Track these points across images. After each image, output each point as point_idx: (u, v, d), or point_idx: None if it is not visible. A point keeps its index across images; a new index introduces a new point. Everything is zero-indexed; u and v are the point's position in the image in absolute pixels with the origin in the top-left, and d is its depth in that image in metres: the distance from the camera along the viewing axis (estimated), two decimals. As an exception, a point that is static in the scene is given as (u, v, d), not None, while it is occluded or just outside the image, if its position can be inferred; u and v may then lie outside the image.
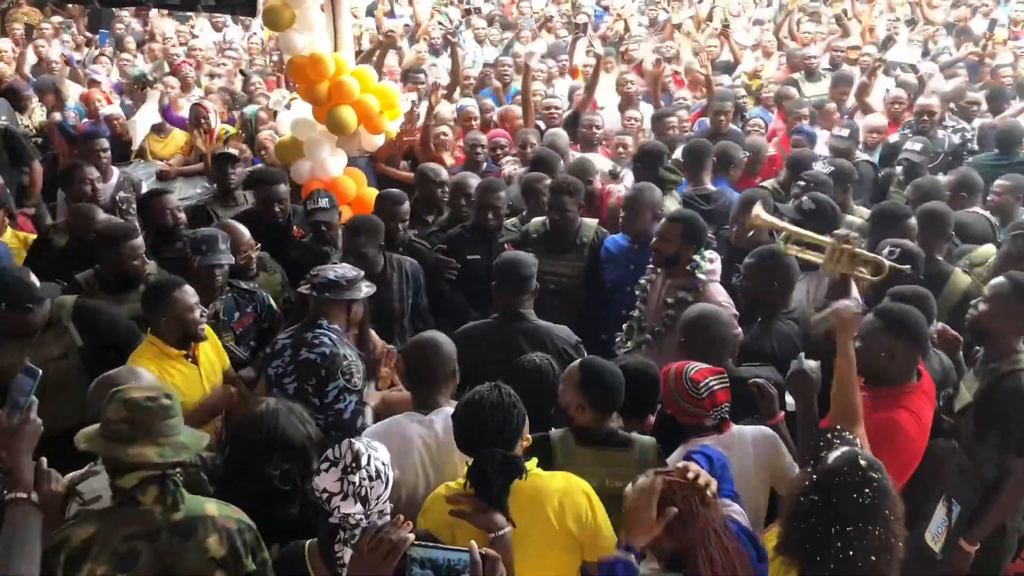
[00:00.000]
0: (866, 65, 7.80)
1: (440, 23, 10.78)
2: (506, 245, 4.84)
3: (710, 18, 10.80)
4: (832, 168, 5.25)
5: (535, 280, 3.86)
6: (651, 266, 4.29)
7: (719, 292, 4.09)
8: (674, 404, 3.05)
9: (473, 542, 1.94)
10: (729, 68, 8.96)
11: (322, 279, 3.57)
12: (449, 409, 3.08)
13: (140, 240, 4.28)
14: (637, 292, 4.31)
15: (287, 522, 2.58)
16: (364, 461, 2.29)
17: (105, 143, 6.04)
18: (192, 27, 11.87)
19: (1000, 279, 3.47)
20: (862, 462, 2.30)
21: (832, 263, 3.53)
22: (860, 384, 3.10)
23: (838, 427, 2.61)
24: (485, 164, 6.19)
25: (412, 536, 1.93)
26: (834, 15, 10.55)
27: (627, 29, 10.15)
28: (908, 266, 3.83)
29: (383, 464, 2.36)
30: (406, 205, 4.89)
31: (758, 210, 4.06)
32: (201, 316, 3.65)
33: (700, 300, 3.95)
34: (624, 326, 4.30)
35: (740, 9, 11.90)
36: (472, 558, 1.88)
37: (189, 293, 3.62)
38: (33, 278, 3.70)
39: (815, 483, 2.30)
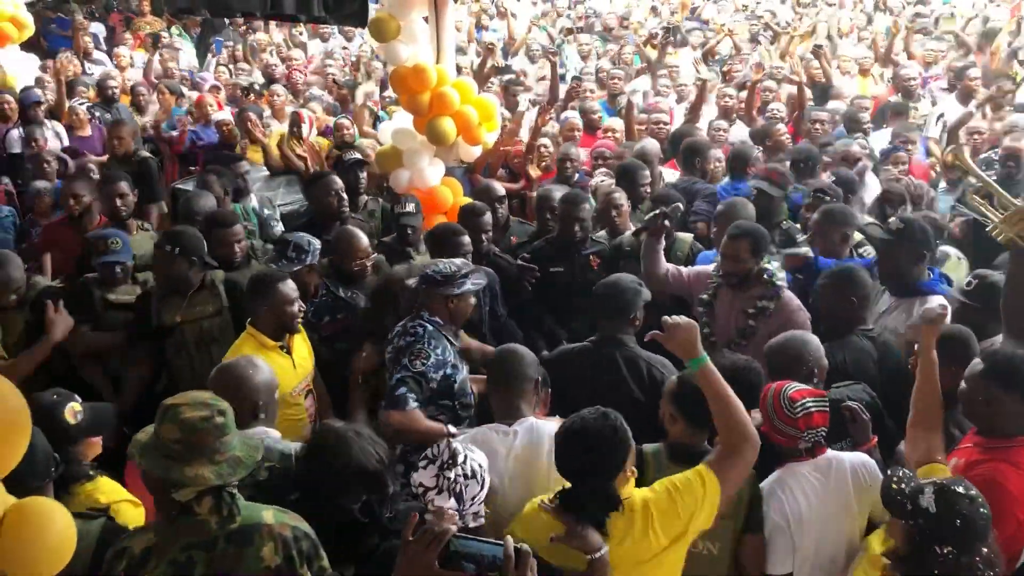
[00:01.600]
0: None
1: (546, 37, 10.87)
2: (591, 258, 4.84)
3: (813, 32, 10.58)
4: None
5: (637, 304, 3.74)
6: (711, 282, 4.25)
7: (794, 298, 4.09)
8: (769, 422, 2.98)
9: (509, 537, 1.97)
10: (825, 89, 8.68)
11: (423, 272, 3.75)
12: (532, 419, 3.10)
13: (238, 227, 4.68)
14: (701, 309, 4.25)
15: (367, 551, 2.55)
16: (460, 459, 2.34)
17: (246, 166, 6.12)
18: (301, 33, 12.28)
19: None
20: (958, 488, 2.36)
21: (1006, 225, 3.30)
22: (973, 431, 2.98)
23: (902, 471, 2.57)
24: (577, 176, 6.22)
25: (454, 528, 1.98)
26: (950, 32, 10.15)
27: (737, 49, 10.04)
28: None
29: (479, 466, 2.39)
30: (488, 216, 4.97)
31: (965, 152, 3.94)
32: (299, 310, 3.83)
33: (780, 307, 4.02)
34: None
35: (851, 26, 11.62)
36: (505, 552, 1.92)
37: (291, 287, 3.82)
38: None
39: (942, 536, 2.31)
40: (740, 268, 4.08)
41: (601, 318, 3.76)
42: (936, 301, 3.88)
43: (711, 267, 4.34)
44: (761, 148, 6.55)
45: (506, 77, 8.44)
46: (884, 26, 11.43)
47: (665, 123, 7.06)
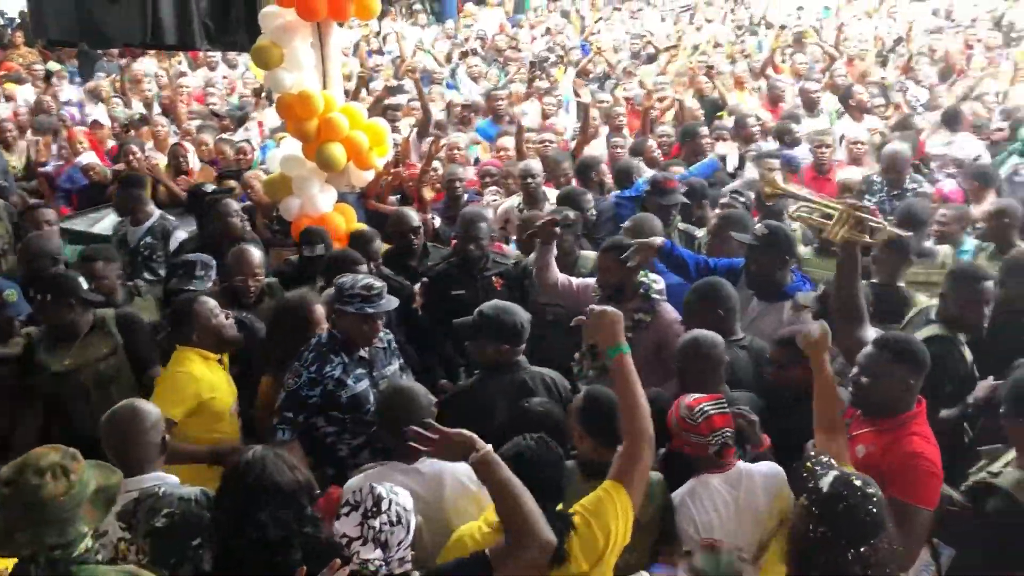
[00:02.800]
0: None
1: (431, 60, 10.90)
2: (494, 279, 4.85)
3: (696, 50, 10.91)
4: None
5: (528, 328, 3.72)
6: (595, 294, 4.23)
7: (671, 310, 4.16)
8: (678, 436, 3.04)
9: None
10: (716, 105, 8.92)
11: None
12: (432, 459, 2.98)
13: (116, 265, 4.62)
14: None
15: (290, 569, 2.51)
16: (385, 505, 2.27)
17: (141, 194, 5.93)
18: (180, 62, 11.92)
19: None
20: (856, 481, 2.42)
21: (838, 227, 3.45)
22: (857, 418, 3.12)
23: (813, 453, 2.67)
24: (466, 196, 6.24)
25: None
26: (815, 44, 10.59)
27: (611, 68, 10.27)
28: (909, 232, 3.94)
29: (404, 509, 2.34)
30: (377, 243, 4.95)
31: (776, 177, 4.07)
32: (228, 319, 3.88)
33: (656, 320, 4.09)
34: (576, 355, 4.21)
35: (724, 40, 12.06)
36: None
37: (207, 302, 3.88)
38: (83, 281, 4.05)
39: (819, 515, 2.39)
40: (612, 280, 4.14)
41: (500, 344, 3.67)
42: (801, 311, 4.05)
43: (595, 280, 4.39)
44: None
45: (386, 102, 8.41)
46: (756, 41, 11.94)
47: (551, 142, 7.14)
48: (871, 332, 3.42)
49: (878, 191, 6.09)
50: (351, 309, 3.64)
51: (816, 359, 3.12)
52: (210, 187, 6.25)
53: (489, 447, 2.39)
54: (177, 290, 4.47)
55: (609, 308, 2.82)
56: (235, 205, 5.38)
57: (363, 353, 3.75)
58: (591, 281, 4.45)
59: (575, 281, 4.50)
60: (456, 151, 7.11)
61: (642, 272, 4.19)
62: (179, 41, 6.69)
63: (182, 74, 11.36)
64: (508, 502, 2.34)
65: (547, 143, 7.08)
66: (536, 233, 4.47)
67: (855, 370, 3.11)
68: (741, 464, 3.07)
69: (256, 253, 4.59)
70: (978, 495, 3.04)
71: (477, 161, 7.48)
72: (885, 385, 3.01)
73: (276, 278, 4.90)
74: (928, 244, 4.93)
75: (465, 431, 2.43)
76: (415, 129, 7.78)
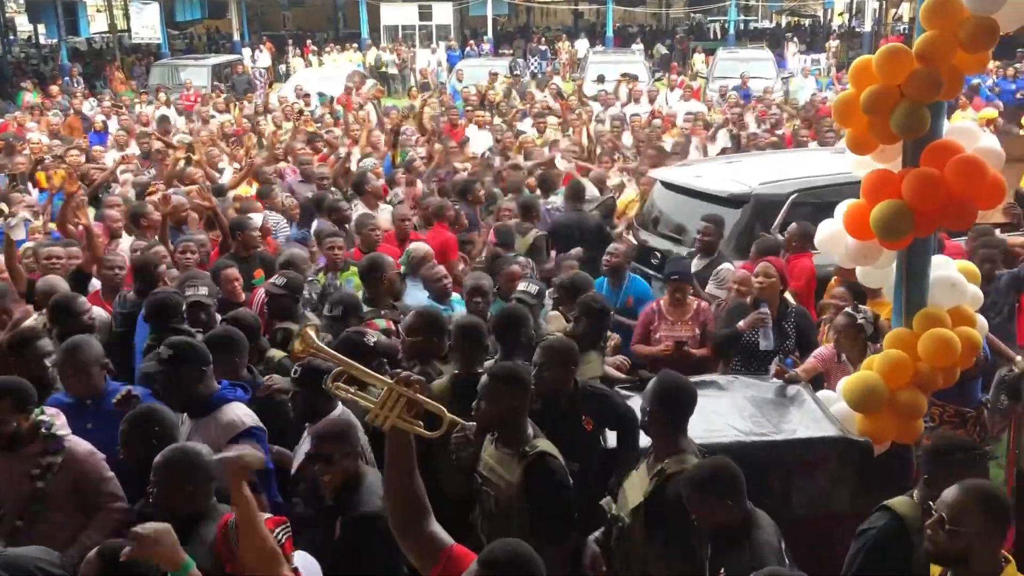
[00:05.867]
0: None
1: None
2: None
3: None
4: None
5: None
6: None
7: (81, 441, 3.77)
8: (233, 560, 2.94)
9: None
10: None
11: None
12: None
13: None
14: None
15: None
16: None
17: None
18: None
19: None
20: None
21: (385, 410, 2.57)
22: None
23: None
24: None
25: None
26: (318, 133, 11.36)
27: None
28: (472, 424, 3.46)
29: None
30: None
31: (311, 334, 2.83)
32: None
33: (69, 458, 3.67)
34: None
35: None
36: None
37: None
38: None
39: None
40: (6, 430, 3.64)
41: None
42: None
43: None
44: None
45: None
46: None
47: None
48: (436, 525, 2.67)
49: None
50: None
51: (235, 486, 2.88)
52: None
53: None
54: None
55: (151, 528, 2.64)
56: None
57: None
58: None
59: None
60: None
61: (37, 409, 3.72)
62: None
63: None
64: None
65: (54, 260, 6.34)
66: None
67: None
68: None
69: None
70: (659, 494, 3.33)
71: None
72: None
73: None
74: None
75: None
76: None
